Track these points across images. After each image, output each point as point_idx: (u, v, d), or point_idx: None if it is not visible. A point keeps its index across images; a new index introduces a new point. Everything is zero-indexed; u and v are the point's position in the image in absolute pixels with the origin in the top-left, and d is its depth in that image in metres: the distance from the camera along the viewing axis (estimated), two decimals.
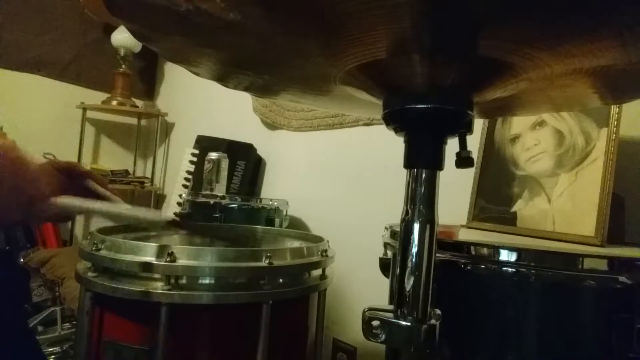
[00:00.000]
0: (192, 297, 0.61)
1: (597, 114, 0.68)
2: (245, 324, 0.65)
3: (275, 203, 1.23)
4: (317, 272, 0.77)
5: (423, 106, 0.36)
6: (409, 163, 0.38)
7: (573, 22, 0.27)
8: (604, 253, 0.54)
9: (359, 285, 1.20)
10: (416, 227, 0.36)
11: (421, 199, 0.37)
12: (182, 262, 0.61)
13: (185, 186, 1.55)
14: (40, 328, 1.38)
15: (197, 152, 1.53)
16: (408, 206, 0.37)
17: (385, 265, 0.66)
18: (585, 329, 0.47)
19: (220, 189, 1.23)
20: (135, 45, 2.08)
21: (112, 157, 2.26)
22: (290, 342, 0.74)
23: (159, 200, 2.24)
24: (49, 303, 1.47)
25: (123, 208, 0.63)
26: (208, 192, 1.20)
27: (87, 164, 2.10)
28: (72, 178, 0.61)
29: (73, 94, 2.08)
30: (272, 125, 1.60)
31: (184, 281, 0.63)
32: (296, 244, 0.92)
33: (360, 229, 1.22)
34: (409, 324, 0.35)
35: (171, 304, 0.60)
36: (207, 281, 0.64)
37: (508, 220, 0.76)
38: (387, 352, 0.55)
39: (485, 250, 0.50)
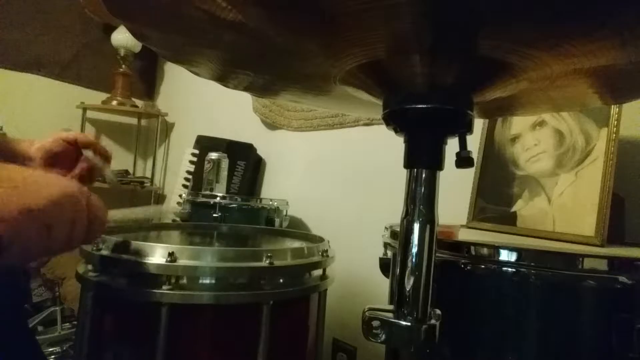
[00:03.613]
0: (192, 297, 0.61)
1: (597, 114, 0.68)
2: (246, 324, 0.65)
3: (275, 203, 1.23)
4: (317, 273, 0.77)
5: (423, 106, 0.36)
6: (409, 163, 0.38)
7: (573, 22, 0.27)
8: (604, 253, 0.54)
9: (359, 285, 1.20)
10: (416, 227, 0.36)
11: (421, 199, 0.37)
12: (182, 262, 0.61)
13: (185, 186, 1.55)
14: (40, 328, 1.37)
15: (197, 152, 1.53)
16: (408, 206, 0.37)
17: (385, 265, 0.66)
18: (585, 329, 0.47)
19: (220, 189, 1.23)
20: (135, 45, 2.08)
21: (112, 157, 2.25)
22: (290, 343, 0.74)
23: (159, 200, 2.25)
24: (49, 303, 1.47)
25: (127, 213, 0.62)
26: (208, 192, 1.20)
27: None
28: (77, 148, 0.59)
29: (73, 94, 2.08)
30: (272, 125, 1.60)
31: (184, 281, 0.63)
32: (296, 244, 0.92)
33: (360, 229, 1.22)
34: (409, 324, 0.35)
35: (171, 304, 0.60)
36: (207, 281, 0.64)
37: (508, 220, 0.76)
38: (387, 352, 0.55)
39: (485, 250, 0.50)
